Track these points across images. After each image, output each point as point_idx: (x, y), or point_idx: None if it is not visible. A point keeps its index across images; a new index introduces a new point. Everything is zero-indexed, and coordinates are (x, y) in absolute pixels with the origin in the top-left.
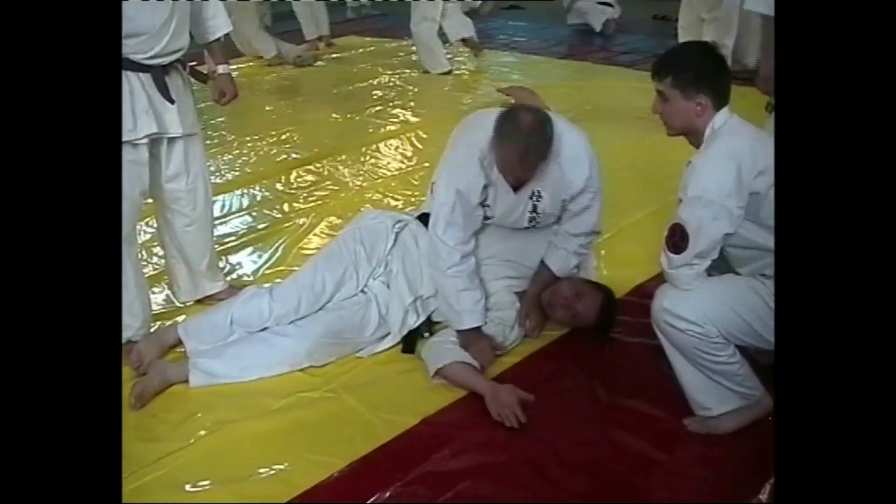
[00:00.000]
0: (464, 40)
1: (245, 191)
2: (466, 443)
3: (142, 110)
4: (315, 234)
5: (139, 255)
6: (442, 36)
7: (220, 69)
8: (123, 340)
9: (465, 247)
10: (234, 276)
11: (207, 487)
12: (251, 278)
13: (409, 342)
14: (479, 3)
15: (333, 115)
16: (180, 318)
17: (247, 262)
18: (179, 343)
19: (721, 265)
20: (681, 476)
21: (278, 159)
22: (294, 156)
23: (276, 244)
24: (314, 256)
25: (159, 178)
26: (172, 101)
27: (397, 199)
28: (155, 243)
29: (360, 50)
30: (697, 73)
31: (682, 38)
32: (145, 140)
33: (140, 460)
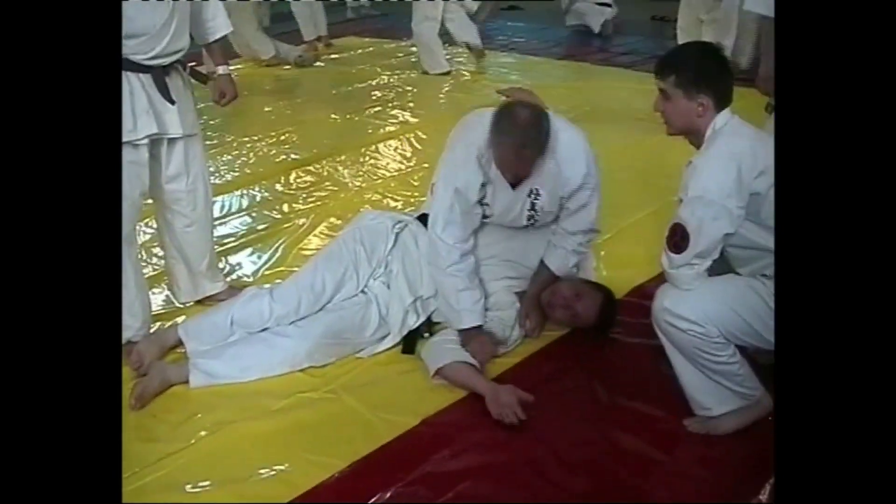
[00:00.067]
0: (468, 46)
1: (244, 191)
2: (466, 443)
3: (142, 111)
4: (315, 235)
5: (139, 256)
6: (443, 36)
7: (221, 70)
8: (123, 341)
9: (465, 245)
10: (233, 276)
11: (208, 488)
12: (251, 279)
13: (409, 343)
14: (476, 7)
15: (333, 116)
16: (180, 319)
17: (246, 262)
18: (180, 343)
19: (721, 265)
20: (681, 476)
21: (277, 160)
22: (293, 156)
23: (276, 245)
24: (314, 257)
25: (159, 178)
26: (173, 102)
27: (397, 200)
28: (154, 244)
29: (360, 51)
30: (700, 74)
31: (681, 39)
32: (145, 140)
33: (140, 461)
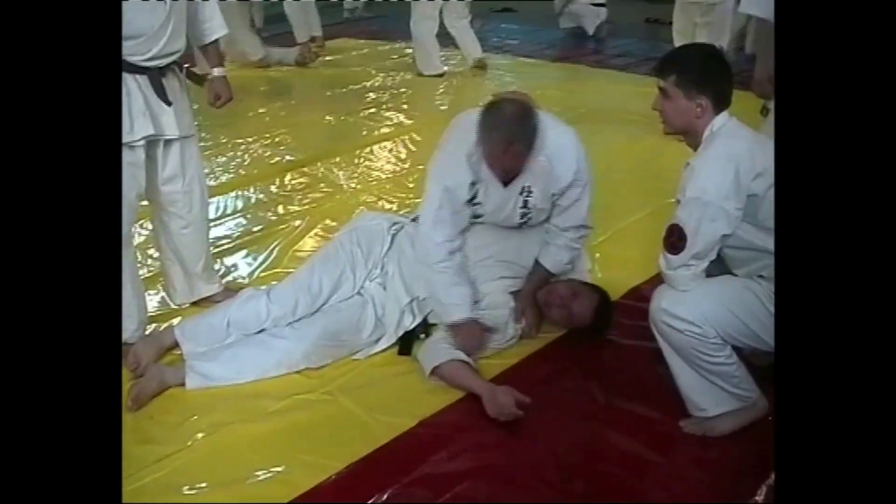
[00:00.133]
0: (474, 61)
1: (239, 193)
2: (464, 445)
3: (139, 112)
4: (310, 237)
5: (135, 257)
6: (439, 38)
7: (216, 72)
8: None
9: (453, 243)
10: (229, 278)
11: (205, 489)
12: (246, 280)
13: (406, 344)
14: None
15: (327, 118)
16: (176, 321)
17: (242, 264)
18: (176, 345)
19: (718, 267)
20: (677, 477)
21: (272, 161)
22: (288, 158)
23: (271, 246)
24: (311, 258)
25: (156, 180)
26: (169, 103)
27: (392, 202)
28: (150, 245)
29: (354, 52)
30: (701, 75)
31: (677, 42)
32: (142, 142)
33: (138, 462)
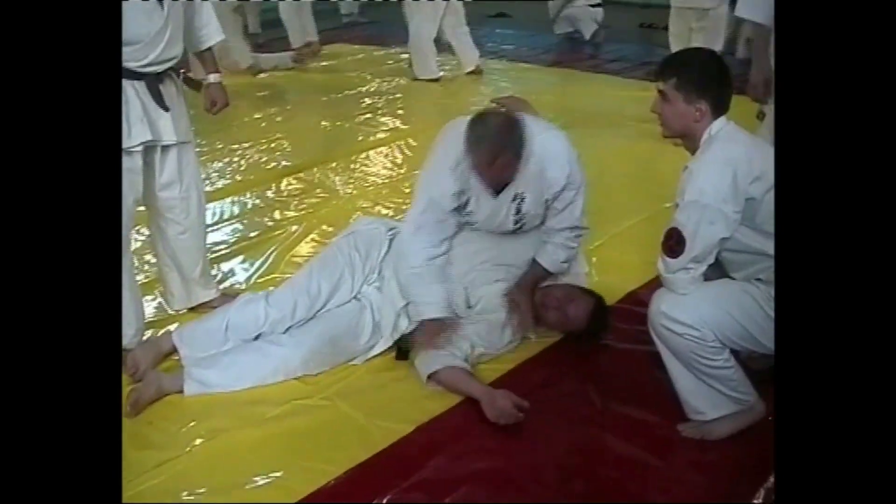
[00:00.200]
0: (472, 69)
1: (235, 199)
2: (462, 449)
3: (136, 118)
4: (306, 242)
5: (132, 263)
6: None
7: (212, 78)
8: None
9: (434, 250)
10: (226, 284)
11: (204, 495)
12: (243, 286)
13: (403, 349)
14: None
15: (323, 123)
16: (173, 327)
17: (238, 269)
18: (175, 350)
19: (715, 271)
20: (675, 481)
21: (268, 167)
22: (284, 163)
23: (268, 252)
24: (309, 262)
25: (153, 185)
26: (167, 109)
27: (388, 207)
28: (147, 251)
29: (349, 58)
30: (702, 79)
31: (673, 46)
32: (139, 148)
33: (137, 468)
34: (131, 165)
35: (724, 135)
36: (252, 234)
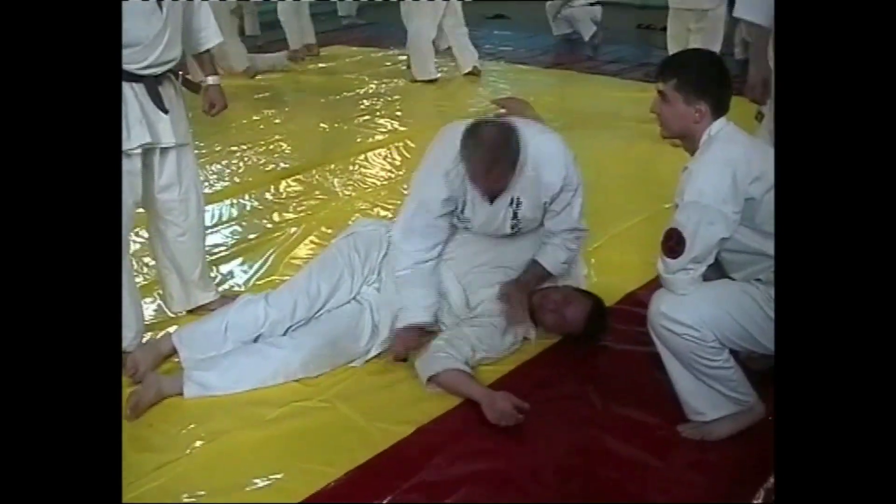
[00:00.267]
0: (469, 71)
1: (234, 201)
2: (462, 451)
3: (135, 120)
4: (305, 244)
5: (131, 265)
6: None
7: (210, 80)
8: None
9: (423, 254)
10: (225, 286)
11: (204, 497)
12: (242, 288)
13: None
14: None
15: (321, 125)
16: (173, 329)
17: (237, 272)
18: (174, 352)
19: (715, 271)
20: (676, 481)
21: (267, 169)
22: (283, 165)
23: (267, 254)
24: (309, 263)
25: (152, 188)
26: (166, 111)
27: (387, 209)
28: (145, 254)
29: (347, 59)
30: (702, 81)
31: (671, 47)
32: (139, 150)
33: (137, 470)
34: (130, 168)
35: (724, 135)
36: (251, 236)
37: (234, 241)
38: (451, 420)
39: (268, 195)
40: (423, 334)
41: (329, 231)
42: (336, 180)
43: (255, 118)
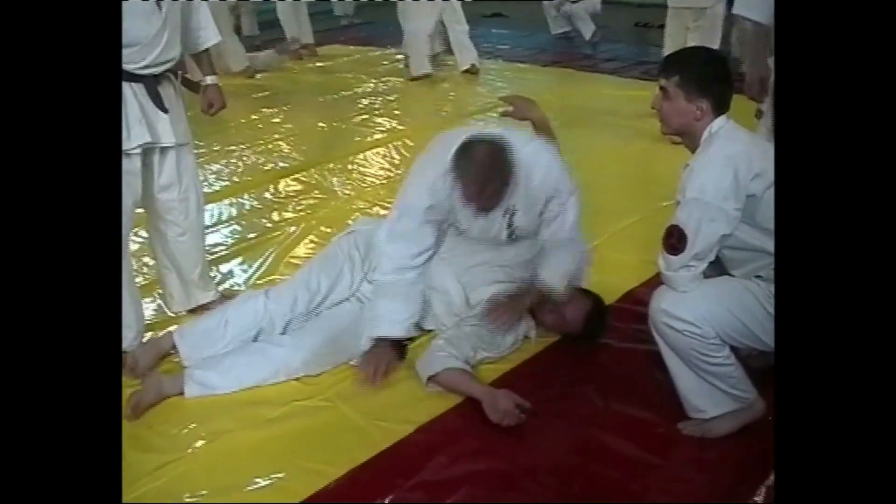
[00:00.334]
0: (468, 69)
1: (233, 200)
2: (462, 450)
3: (135, 120)
4: (304, 243)
5: (131, 266)
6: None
7: (209, 80)
8: None
9: (406, 261)
10: (224, 285)
11: (205, 497)
12: (242, 288)
13: (401, 350)
14: None
15: (320, 124)
16: (173, 328)
17: (237, 271)
18: (175, 349)
19: (715, 268)
20: (676, 479)
21: (266, 168)
22: (282, 165)
23: (266, 253)
24: (310, 260)
25: (151, 188)
26: (166, 111)
27: (386, 208)
28: (145, 253)
29: (345, 59)
30: (704, 78)
31: (667, 46)
32: (138, 150)
33: (137, 470)
34: (130, 167)
35: (725, 133)
36: (250, 236)
37: (233, 241)
38: (451, 419)
39: (267, 194)
40: (397, 350)
41: (328, 230)
42: (335, 179)
43: (253, 117)
